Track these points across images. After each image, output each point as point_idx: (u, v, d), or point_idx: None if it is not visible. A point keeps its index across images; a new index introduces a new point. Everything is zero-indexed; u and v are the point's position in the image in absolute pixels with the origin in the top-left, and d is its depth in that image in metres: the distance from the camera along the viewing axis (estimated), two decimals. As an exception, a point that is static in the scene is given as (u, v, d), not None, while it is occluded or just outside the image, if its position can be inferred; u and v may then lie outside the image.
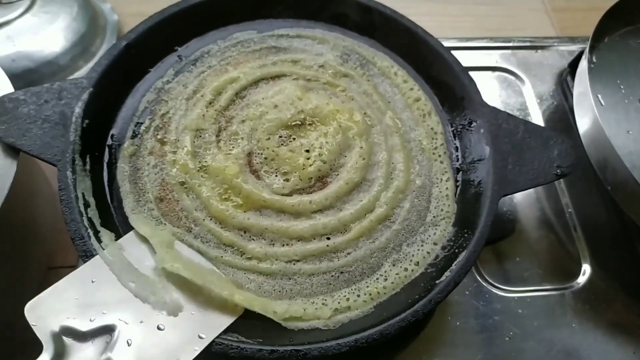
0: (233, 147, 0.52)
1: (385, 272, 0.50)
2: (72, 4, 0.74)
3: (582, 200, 0.61)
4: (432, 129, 0.58)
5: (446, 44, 0.60)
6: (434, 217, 0.53)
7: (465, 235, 0.50)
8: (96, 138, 0.51)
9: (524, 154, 0.53)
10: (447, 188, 0.55)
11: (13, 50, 0.68)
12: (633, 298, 0.55)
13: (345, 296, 0.48)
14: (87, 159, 0.50)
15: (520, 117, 0.56)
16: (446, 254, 0.50)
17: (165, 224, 0.49)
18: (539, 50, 0.72)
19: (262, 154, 0.52)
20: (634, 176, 0.51)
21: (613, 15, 0.62)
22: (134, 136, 0.53)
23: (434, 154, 0.56)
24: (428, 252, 0.51)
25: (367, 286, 0.49)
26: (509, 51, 0.72)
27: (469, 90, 0.56)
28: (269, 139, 0.53)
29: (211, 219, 0.50)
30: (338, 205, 0.51)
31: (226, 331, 0.44)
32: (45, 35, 0.70)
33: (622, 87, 0.62)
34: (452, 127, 0.58)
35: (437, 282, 0.47)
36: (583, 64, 0.58)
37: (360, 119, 0.55)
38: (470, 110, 0.56)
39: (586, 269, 0.57)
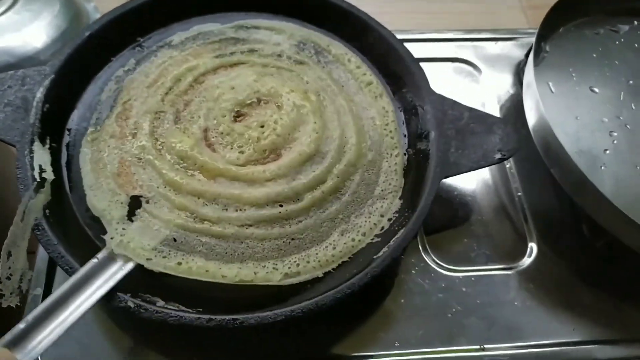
0: (190, 124, 0.55)
1: (334, 241, 0.52)
2: (55, 2, 0.78)
3: (532, 185, 0.63)
4: (383, 107, 0.60)
5: (403, 36, 0.63)
6: (382, 190, 0.55)
7: (406, 214, 0.52)
8: (56, 122, 0.54)
9: (467, 139, 0.55)
10: (396, 163, 0.57)
11: (-5, 45, 0.72)
12: (577, 277, 0.57)
13: (295, 262, 0.51)
14: (47, 141, 0.52)
15: (477, 106, 0.58)
16: (391, 225, 0.53)
17: (120, 193, 0.51)
18: (499, 42, 0.74)
19: (217, 129, 0.54)
20: (573, 160, 0.52)
21: (567, 5, 0.64)
22: (96, 124, 0.56)
23: (385, 129, 0.59)
24: (375, 224, 0.53)
25: (317, 253, 0.51)
26: (469, 43, 0.74)
27: (417, 79, 0.59)
28: (225, 116, 0.55)
29: (165, 187, 0.52)
30: (291, 175, 0.53)
31: (167, 300, 0.47)
32: (27, 31, 0.73)
33: (574, 75, 0.64)
34: (402, 113, 0.60)
35: (374, 257, 0.49)
36: (532, 53, 0.60)
37: (314, 99, 0.57)
38: (418, 97, 0.58)
39: (533, 250, 0.58)
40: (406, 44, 0.61)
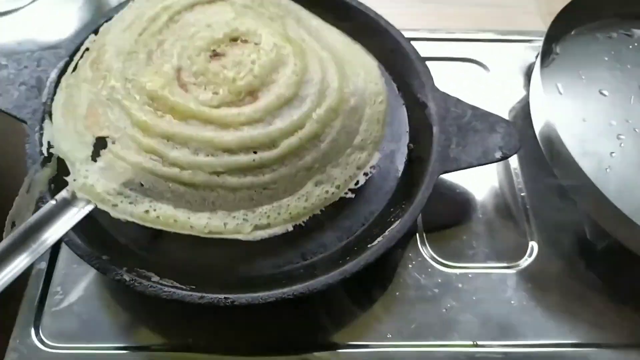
0: (162, 63, 0.50)
1: (307, 192, 0.50)
2: (80, -6, 0.81)
3: (536, 185, 0.62)
4: (367, 60, 0.59)
5: (414, 34, 0.64)
6: (362, 139, 0.53)
7: (403, 205, 0.53)
8: (67, 101, 0.56)
9: (468, 136, 0.55)
10: (379, 111, 0.55)
11: (20, 35, 0.75)
12: (577, 280, 0.55)
13: (266, 213, 0.49)
14: (57, 120, 0.54)
15: (485, 106, 0.58)
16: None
17: (86, 134, 0.48)
18: (512, 44, 0.74)
19: (191, 69, 0.50)
20: (577, 161, 0.52)
21: (578, 8, 0.64)
22: (74, 70, 0.54)
23: (368, 77, 0.56)
24: (350, 176, 0.52)
25: (288, 204, 0.50)
26: (481, 43, 0.74)
27: (422, 76, 0.59)
28: (199, 55, 0.50)
29: (133, 128, 0.47)
30: (268, 120, 0.48)
31: (162, 276, 0.48)
32: (51, 23, 0.77)
33: (583, 77, 0.63)
34: (407, 110, 0.61)
35: (369, 246, 0.50)
36: (539, 54, 0.60)
37: (296, 42, 0.53)
38: (422, 94, 0.59)
39: (533, 250, 0.57)
40: (417, 43, 0.61)
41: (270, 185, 0.49)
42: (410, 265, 0.56)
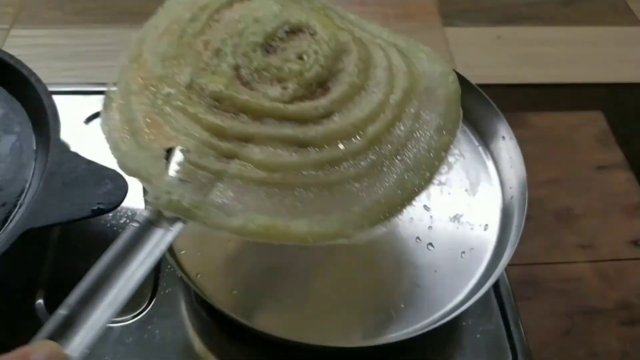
0: (218, 62, 0.47)
1: (399, 183, 0.44)
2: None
3: None
4: (423, 47, 0.54)
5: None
6: (442, 123, 0.48)
7: None
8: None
9: (72, 191, 0.52)
10: (453, 91, 0.50)
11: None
12: None
13: (360, 213, 0.43)
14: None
15: None
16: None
17: (153, 147, 0.43)
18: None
19: (250, 66, 0.46)
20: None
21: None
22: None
23: (432, 59, 0.52)
24: (437, 162, 0.47)
25: (382, 200, 0.43)
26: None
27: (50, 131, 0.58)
28: (255, 51, 0.47)
29: (205, 133, 0.43)
30: (346, 110, 0.46)
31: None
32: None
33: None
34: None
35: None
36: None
37: (350, 32, 0.51)
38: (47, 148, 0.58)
39: None
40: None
41: (361, 180, 0.44)
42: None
